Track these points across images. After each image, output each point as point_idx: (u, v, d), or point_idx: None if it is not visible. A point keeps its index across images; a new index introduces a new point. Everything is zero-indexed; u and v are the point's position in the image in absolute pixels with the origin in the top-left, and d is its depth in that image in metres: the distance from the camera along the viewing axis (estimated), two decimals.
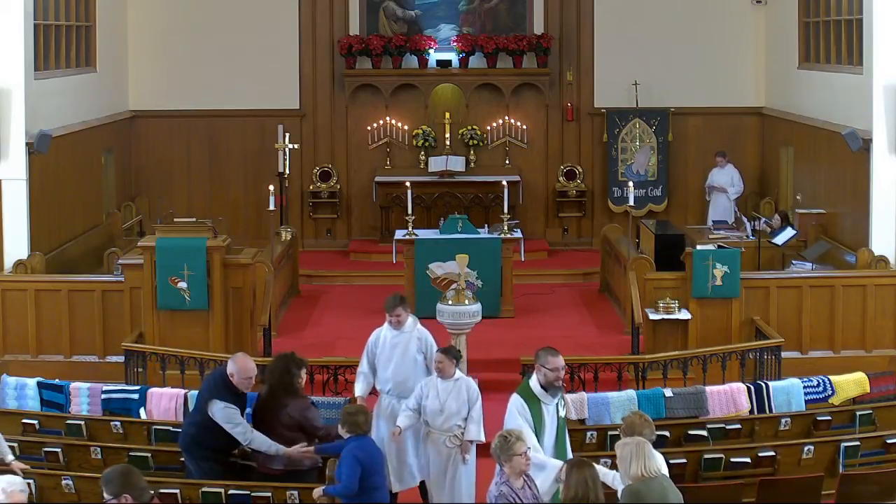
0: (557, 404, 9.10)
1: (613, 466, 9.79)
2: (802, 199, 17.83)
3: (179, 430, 10.34)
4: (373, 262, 19.02)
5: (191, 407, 11.39)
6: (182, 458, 9.99)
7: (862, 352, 14.47)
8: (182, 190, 20.35)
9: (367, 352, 10.87)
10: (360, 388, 10.79)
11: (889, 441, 10.71)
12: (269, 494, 9.62)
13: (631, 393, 11.60)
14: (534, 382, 9.03)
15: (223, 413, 9.41)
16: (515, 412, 8.97)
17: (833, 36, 16.85)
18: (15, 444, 10.67)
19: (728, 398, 11.61)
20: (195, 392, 11.56)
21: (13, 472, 9.34)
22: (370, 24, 20.40)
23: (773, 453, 10.36)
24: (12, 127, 14.80)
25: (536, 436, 8.83)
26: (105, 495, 7.15)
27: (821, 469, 10.27)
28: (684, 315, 14.08)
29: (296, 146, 18.76)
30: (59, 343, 14.33)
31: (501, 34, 20.30)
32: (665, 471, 7.96)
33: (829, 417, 11.28)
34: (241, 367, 9.59)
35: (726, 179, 19.04)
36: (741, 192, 19.15)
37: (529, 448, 8.13)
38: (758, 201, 19.62)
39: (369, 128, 20.28)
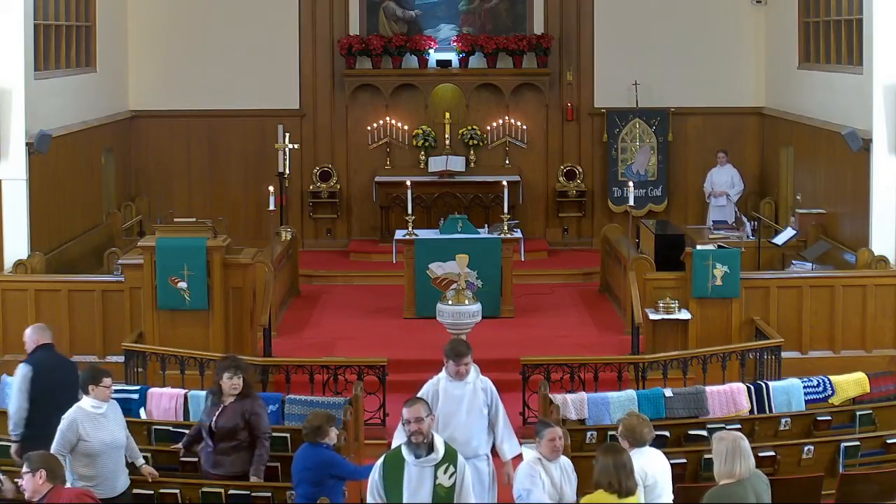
0: (437, 467, 7.73)
1: None
2: (802, 199, 17.83)
3: (179, 430, 10.34)
4: (373, 262, 19.02)
5: (191, 407, 11.41)
6: (182, 458, 10.03)
7: (862, 352, 14.47)
8: (182, 190, 20.35)
9: (432, 402, 9.16)
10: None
11: (889, 441, 10.71)
12: (269, 494, 9.63)
13: (631, 393, 11.60)
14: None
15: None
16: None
17: (833, 36, 16.85)
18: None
19: (728, 398, 11.61)
20: (195, 392, 11.61)
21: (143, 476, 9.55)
22: (370, 24, 20.40)
23: (773, 453, 10.36)
24: (12, 127, 14.80)
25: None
26: (24, 468, 7.62)
27: (821, 469, 10.27)
28: (684, 315, 14.09)
29: (296, 146, 18.76)
30: (60, 343, 14.14)
31: (501, 34, 20.30)
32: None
33: (829, 417, 11.28)
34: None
35: (726, 179, 19.04)
36: (742, 191, 19.16)
37: None
38: (758, 201, 19.62)
39: (369, 128, 20.28)
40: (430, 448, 7.72)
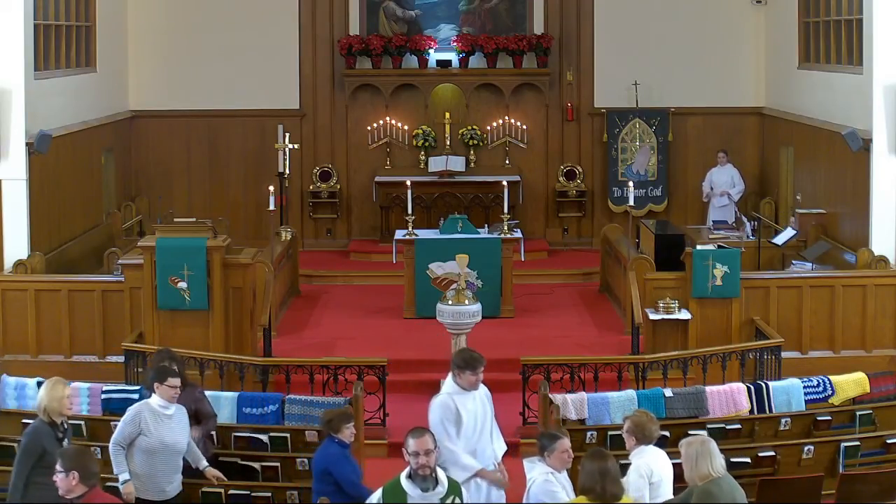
0: (443, 500, 7.52)
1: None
2: (802, 199, 17.82)
3: None
4: (373, 262, 19.02)
5: None
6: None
7: (862, 352, 14.46)
8: (182, 190, 20.35)
9: (453, 422, 9.01)
10: (465, 462, 9.00)
11: (889, 441, 10.72)
12: (269, 494, 9.64)
13: (631, 393, 11.60)
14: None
15: None
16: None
17: (833, 36, 16.85)
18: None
19: (728, 398, 11.61)
20: None
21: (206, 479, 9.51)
22: (370, 24, 20.40)
23: (773, 453, 10.37)
24: (12, 127, 14.80)
25: None
26: (58, 467, 7.39)
27: (821, 469, 10.28)
28: (684, 315, 14.08)
29: (296, 146, 18.76)
30: (59, 343, 14.32)
31: (501, 34, 20.29)
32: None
33: (829, 417, 11.29)
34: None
35: (726, 179, 19.04)
36: (743, 190, 19.17)
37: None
38: (758, 201, 19.61)
39: (369, 128, 20.28)
40: (436, 481, 7.51)
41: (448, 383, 9.16)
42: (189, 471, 9.40)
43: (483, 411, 9.09)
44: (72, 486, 7.33)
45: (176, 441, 9.14)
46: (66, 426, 8.99)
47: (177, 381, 9.21)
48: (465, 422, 8.94)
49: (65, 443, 8.86)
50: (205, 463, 9.58)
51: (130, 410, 9.15)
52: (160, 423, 9.07)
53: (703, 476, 7.57)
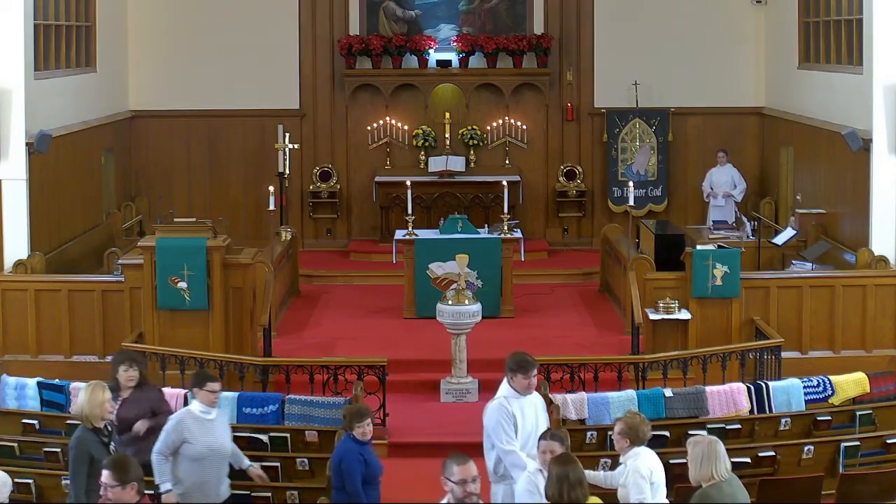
0: None
1: (614, 466, 9.83)
2: (802, 199, 17.82)
3: None
4: (373, 262, 19.02)
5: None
6: None
7: (862, 352, 14.46)
8: (182, 190, 20.35)
9: (511, 425, 8.86)
10: (524, 461, 8.71)
11: (889, 441, 10.72)
12: (269, 495, 9.64)
13: (631, 393, 11.61)
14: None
15: None
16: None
17: (833, 36, 16.85)
18: (15, 444, 10.70)
19: (728, 398, 11.62)
20: None
21: (250, 479, 9.51)
22: (370, 24, 20.40)
23: (773, 453, 10.37)
24: (12, 127, 14.79)
25: None
26: (112, 481, 7.09)
27: (821, 469, 10.28)
28: (684, 315, 14.08)
29: (296, 146, 18.75)
30: (59, 343, 14.32)
31: (501, 34, 20.29)
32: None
33: (829, 417, 11.29)
34: None
35: (726, 179, 19.04)
36: (745, 189, 19.16)
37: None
38: (758, 201, 19.61)
39: (369, 128, 20.28)
40: None
41: (503, 387, 9.02)
42: (231, 472, 9.37)
43: (535, 421, 8.91)
44: (131, 496, 7.11)
45: (221, 445, 9.12)
46: (109, 429, 8.89)
47: (216, 386, 9.14)
48: (520, 426, 8.80)
49: (111, 447, 8.77)
50: (248, 462, 9.56)
51: (173, 418, 9.10)
52: (203, 428, 9.02)
53: (706, 478, 7.53)
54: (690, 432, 10.78)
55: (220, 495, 9.09)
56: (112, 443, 8.84)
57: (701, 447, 7.62)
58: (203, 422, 9.04)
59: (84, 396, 8.78)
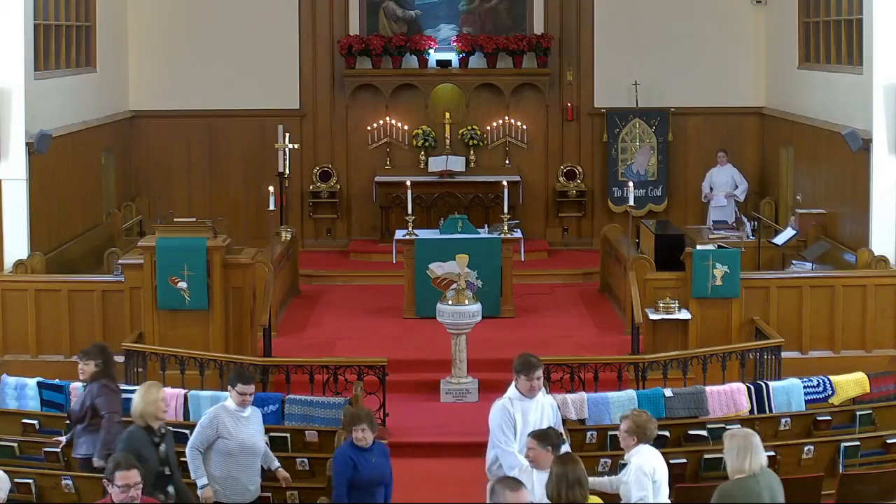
0: None
1: (614, 466, 9.84)
2: (802, 199, 17.83)
3: (179, 429, 10.32)
4: (373, 262, 19.02)
5: (191, 407, 11.41)
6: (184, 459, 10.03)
7: (862, 352, 14.47)
8: (182, 190, 20.36)
9: (511, 427, 8.82)
10: (520, 461, 8.61)
11: (889, 441, 10.72)
12: (269, 495, 9.64)
13: (631, 393, 11.60)
14: None
15: None
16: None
17: (833, 36, 16.85)
18: (15, 444, 10.69)
19: (728, 398, 11.61)
20: (195, 392, 11.62)
21: (277, 480, 9.52)
22: (370, 24, 20.40)
23: (773, 453, 10.33)
24: (12, 127, 14.80)
25: None
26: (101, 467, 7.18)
27: (821, 469, 10.27)
28: (684, 315, 14.08)
29: (296, 146, 18.75)
30: (59, 343, 14.32)
31: (501, 34, 20.30)
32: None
33: (829, 417, 11.28)
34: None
35: (726, 179, 19.05)
36: (747, 188, 19.16)
37: None
38: (758, 201, 19.61)
39: (369, 128, 20.28)
40: None
41: (510, 388, 8.99)
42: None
43: (539, 423, 8.75)
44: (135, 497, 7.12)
45: (255, 442, 9.15)
46: (163, 431, 8.82)
47: (246, 388, 9.15)
48: (520, 429, 8.72)
49: (161, 448, 8.71)
50: (277, 464, 9.59)
51: (208, 414, 9.14)
52: (238, 424, 9.07)
53: (738, 471, 7.46)
54: (690, 432, 10.82)
55: (249, 492, 9.11)
56: (163, 444, 8.77)
57: (737, 440, 7.54)
58: (238, 418, 9.10)
59: (139, 395, 8.80)
